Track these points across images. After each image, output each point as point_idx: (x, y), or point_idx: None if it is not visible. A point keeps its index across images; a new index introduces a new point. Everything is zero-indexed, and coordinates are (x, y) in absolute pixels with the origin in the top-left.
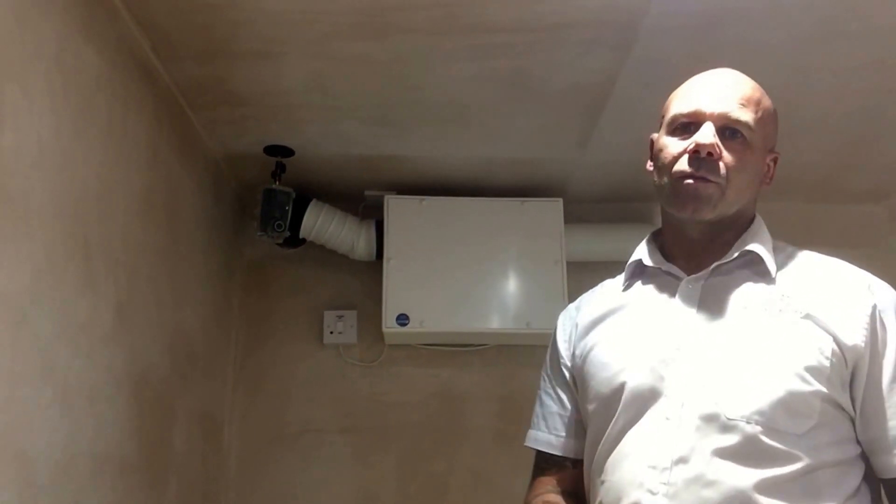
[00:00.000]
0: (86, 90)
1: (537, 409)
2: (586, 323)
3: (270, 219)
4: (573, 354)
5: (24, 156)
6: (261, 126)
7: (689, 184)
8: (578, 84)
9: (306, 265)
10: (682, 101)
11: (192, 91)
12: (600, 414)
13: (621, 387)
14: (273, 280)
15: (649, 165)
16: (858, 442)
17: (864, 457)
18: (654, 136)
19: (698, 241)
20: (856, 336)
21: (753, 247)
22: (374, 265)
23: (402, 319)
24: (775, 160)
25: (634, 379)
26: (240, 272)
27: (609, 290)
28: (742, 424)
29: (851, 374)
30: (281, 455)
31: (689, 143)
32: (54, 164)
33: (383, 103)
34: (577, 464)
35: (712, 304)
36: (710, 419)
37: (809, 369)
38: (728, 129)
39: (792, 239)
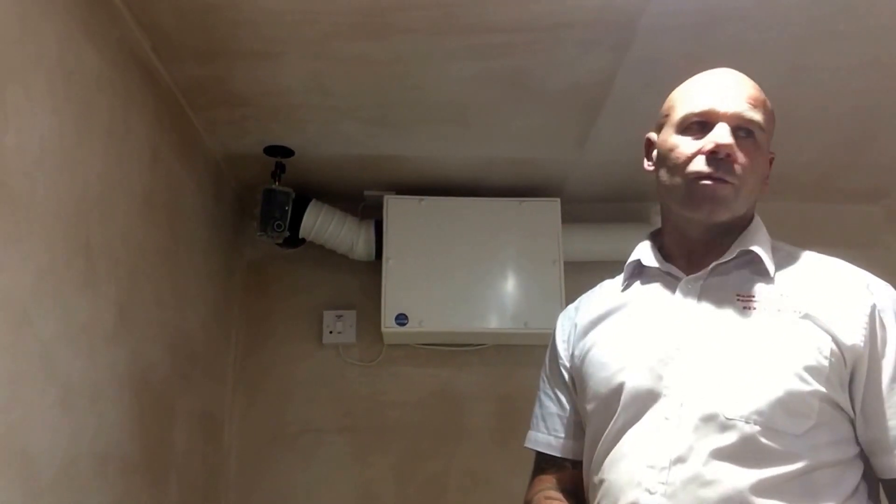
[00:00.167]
0: (87, 91)
1: (536, 410)
2: (585, 323)
3: (270, 219)
4: (572, 355)
5: (26, 156)
6: (261, 126)
7: (706, 184)
8: (577, 84)
9: (306, 265)
10: (691, 100)
11: (193, 91)
12: (599, 414)
13: (620, 387)
14: (273, 280)
15: (648, 165)
16: (857, 442)
17: (863, 456)
18: (653, 135)
19: (699, 242)
20: (855, 336)
21: (752, 246)
22: (374, 265)
23: (401, 319)
24: (771, 161)
25: (633, 379)
26: (240, 272)
27: (608, 291)
28: (741, 424)
29: (850, 374)
30: (281, 455)
31: (704, 143)
32: (56, 165)
33: (383, 103)
34: (577, 464)
35: (711, 303)
36: (709, 419)
37: (808, 369)
38: (742, 129)
39: (789, 238)
